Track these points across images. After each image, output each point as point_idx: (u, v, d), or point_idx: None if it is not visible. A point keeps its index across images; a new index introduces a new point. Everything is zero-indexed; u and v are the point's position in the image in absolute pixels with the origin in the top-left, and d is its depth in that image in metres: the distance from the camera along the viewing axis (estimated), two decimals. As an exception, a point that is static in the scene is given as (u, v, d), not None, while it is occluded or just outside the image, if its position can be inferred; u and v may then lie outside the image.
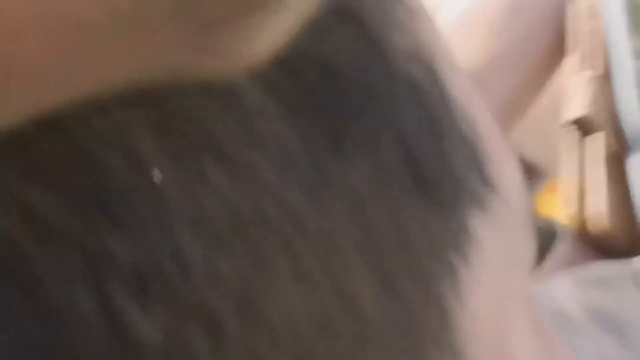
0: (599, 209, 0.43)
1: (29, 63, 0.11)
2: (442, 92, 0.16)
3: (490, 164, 0.17)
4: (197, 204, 0.13)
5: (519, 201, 0.17)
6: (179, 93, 0.13)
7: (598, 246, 0.45)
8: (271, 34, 0.13)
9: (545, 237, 0.49)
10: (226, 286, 0.13)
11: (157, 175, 0.13)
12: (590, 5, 0.48)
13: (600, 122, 0.46)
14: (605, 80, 0.47)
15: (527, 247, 0.18)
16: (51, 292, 0.12)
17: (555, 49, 0.49)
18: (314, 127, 0.14)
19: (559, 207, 0.49)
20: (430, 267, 0.15)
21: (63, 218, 0.12)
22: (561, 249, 0.47)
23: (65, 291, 0.12)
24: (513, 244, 0.17)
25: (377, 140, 0.15)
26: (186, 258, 0.13)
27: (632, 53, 0.47)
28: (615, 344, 0.33)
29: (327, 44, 0.15)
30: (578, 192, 0.44)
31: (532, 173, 0.43)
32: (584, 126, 0.46)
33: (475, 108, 0.17)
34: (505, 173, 0.17)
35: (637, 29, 0.49)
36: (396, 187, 0.15)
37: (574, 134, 0.47)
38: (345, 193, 0.14)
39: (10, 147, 0.13)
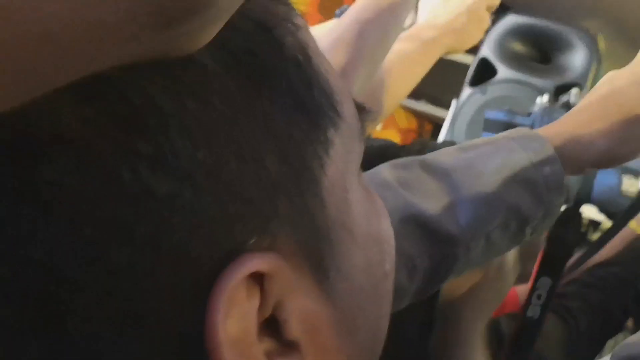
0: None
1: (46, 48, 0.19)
2: (312, 65, 0.30)
3: (339, 102, 0.31)
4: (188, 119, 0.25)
5: (354, 121, 0.33)
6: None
7: None
8: (214, 28, 0.23)
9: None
10: (203, 165, 0.25)
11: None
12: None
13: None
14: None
15: (359, 145, 0.33)
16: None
17: None
18: (247, 80, 0.27)
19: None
20: (307, 152, 0.29)
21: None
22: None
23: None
24: (350, 144, 0.32)
25: (280, 87, 0.28)
26: (177, 151, 0.25)
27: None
28: (408, 195, 0.58)
29: (250, 38, 0.27)
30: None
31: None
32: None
33: (331, 73, 0.31)
34: (346, 107, 0.32)
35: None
36: (289, 112, 0.28)
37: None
38: (260, 112, 0.27)
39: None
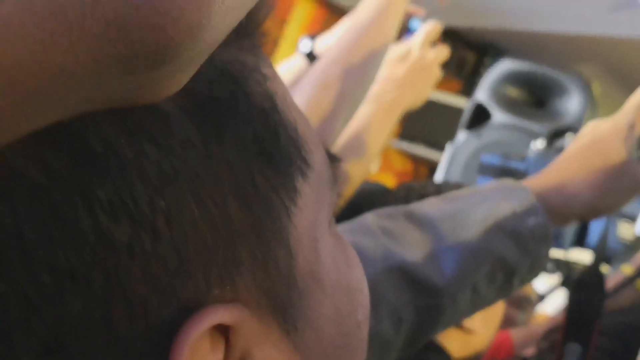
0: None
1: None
2: (279, 114, 0.29)
3: (309, 151, 0.31)
4: (141, 168, 0.24)
5: (325, 170, 0.32)
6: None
7: None
8: (181, 79, 0.24)
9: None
10: (163, 212, 0.25)
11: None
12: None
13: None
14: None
15: (330, 194, 0.33)
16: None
17: None
18: (210, 128, 0.26)
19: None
20: (272, 201, 0.28)
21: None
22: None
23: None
24: (321, 193, 0.31)
25: (244, 136, 0.27)
26: (137, 198, 0.24)
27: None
28: (392, 245, 0.59)
29: (214, 87, 0.27)
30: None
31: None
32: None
33: (301, 122, 0.31)
34: (316, 156, 0.32)
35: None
36: (254, 160, 0.28)
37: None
38: (222, 160, 0.27)
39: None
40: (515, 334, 1.38)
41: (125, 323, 0.25)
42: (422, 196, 0.74)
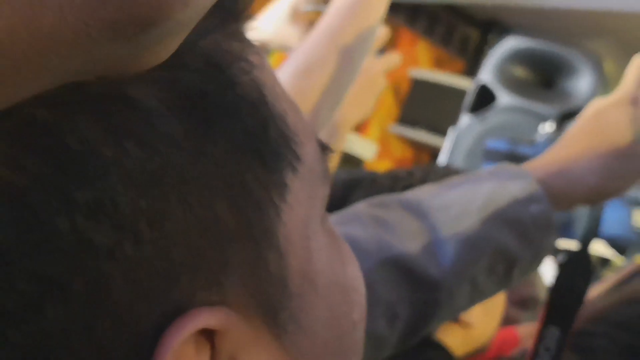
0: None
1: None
2: (268, 105, 0.29)
3: (299, 144, 0.30)
4: (123, 166, 0.24)
5: (316, 163, 0.32)
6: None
7: None
8: (160, 51, 0.23)
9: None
10: (146, 214, 0.24)
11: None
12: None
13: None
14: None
15: (323, 189, 0.32)
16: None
17: None
18: (196, 123, 0.26)
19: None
20: (261, 199, 0.28)
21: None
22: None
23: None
24: (313, 188, 0.31)
25: (232, 129, 0.27)
26: (118, 200, 0.24)
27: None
28: (387, 237, 0.57)
29: (200, 78, 0.26)
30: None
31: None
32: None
33: (291, 113, 0.30)
34: (308, 148, 0.31)
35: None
36: (242, 155, 0.27)
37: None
38: (210, 158, 0.26)
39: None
40: (522, 330, 1.33)
41: (109, 330, 0.25)
42: (408, 186, 0.70)
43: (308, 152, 0.31)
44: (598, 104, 0.66)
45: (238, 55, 0.29)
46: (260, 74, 0.29)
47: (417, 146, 2.65)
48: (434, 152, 2.35)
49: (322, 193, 0.33)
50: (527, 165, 0.63)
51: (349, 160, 2.15)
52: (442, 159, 1.81)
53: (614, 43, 2.05)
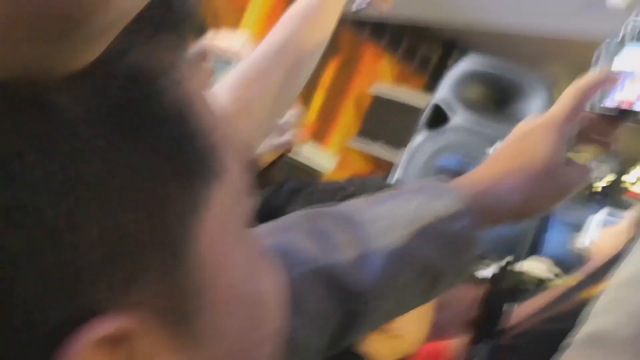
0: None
1: None
2: (194, 119, 0.29)
3: (224, 158, 0.31)
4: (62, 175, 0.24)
5: (240, 178, 0.32)
6: None
7: None
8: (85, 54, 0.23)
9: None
10: (65, 218, 0.25)
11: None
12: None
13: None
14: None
15: (245, 204, 0.33)
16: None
17: None
18: (118, 134, 0.26)
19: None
20: (178, 211, 0.28)
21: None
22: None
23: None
24: (234, 203, 0.32)
25: (154, 142, 0.27)
26: (33, 206, 0.24)
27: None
28: (318, 247, 0.58)
29: (126, 89, 0.27)
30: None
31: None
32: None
33: (216, 128, 0.31)
34: (233, 163, 0.31)
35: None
36: (162, 168, 0.27)
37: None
38: (132, 167, 0.27)
39: None
40: (455, 343, 1.36)
41: (9, 336, 0.25)
42: (345, 197, 0.72)
43: (233, 166, 0.32)
44: (526, 124, 0.67)
45: (168, 67, 0.29)
46: (190, 85, 0.30)
47: (375, 160, 2.68)
48: (391, 167, 2.38)
49: (244, 208, 0.33)
50: (457, 182, 0.64)
51: (308, 172, 2.18)
52: (397, 174, 1.83)
53: (567, 68, 2.10)
